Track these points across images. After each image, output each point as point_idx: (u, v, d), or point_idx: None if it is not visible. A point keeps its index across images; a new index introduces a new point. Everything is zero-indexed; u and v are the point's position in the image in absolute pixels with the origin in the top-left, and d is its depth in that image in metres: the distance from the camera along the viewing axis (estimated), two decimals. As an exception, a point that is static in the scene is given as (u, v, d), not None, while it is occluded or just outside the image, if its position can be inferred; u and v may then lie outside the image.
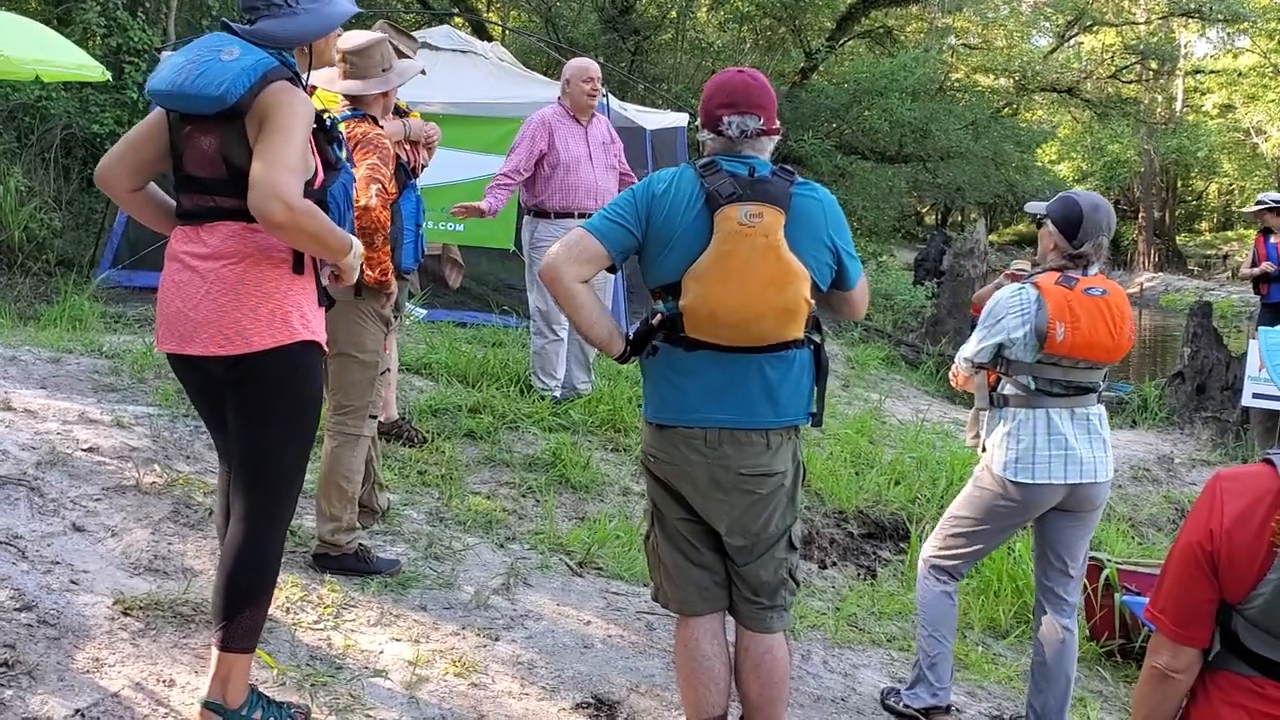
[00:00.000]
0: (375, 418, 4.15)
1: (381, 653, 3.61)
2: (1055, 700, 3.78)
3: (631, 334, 3.05)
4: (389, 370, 4.16)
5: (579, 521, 5.22)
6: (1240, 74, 33.31)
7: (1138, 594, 5.07)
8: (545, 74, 12.04)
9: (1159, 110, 34.58)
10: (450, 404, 6.13)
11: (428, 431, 5.74)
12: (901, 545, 6.23)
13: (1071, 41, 29.87)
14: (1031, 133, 26.62)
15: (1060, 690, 3.78)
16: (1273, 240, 9.16)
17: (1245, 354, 9.00)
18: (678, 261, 2.90)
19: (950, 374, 3.96)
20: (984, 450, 3.81)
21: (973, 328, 3.86)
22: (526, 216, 6.68)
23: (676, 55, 21.41)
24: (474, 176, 9.10)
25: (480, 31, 16.72)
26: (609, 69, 12.69)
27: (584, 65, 6.68)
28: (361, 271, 3.95)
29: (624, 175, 6.83)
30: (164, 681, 3.20)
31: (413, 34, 6.22)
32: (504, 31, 19.07)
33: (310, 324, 3.02)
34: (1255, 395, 8.79)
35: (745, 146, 2.97)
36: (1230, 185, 40.95)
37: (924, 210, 38.20)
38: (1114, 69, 30.88)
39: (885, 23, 23.96)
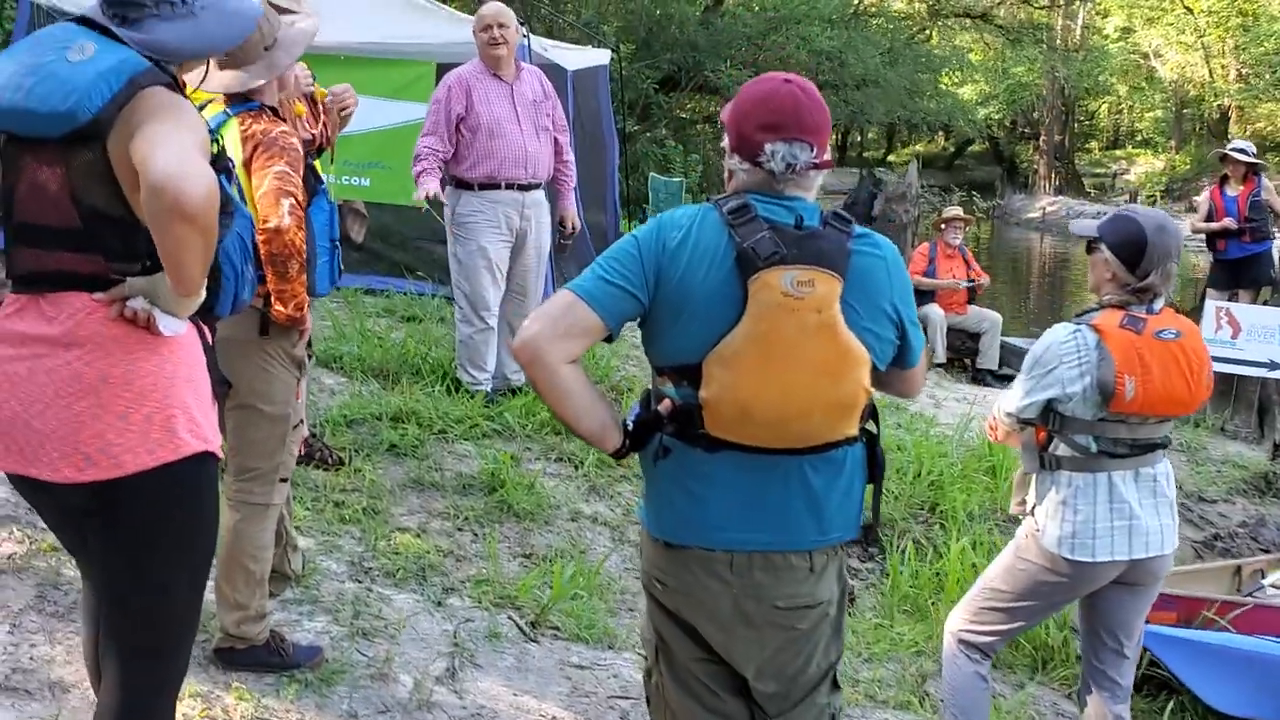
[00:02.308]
0: (286, 480, 3.38)
1: (307, 788, 2.92)
2: (1107, 802, 3.26)
3: (631, 422, 2.35)
4: (302, 423, 3.38)
5: (525, 560, 4.52)
6: (1140, -5, 33.41)
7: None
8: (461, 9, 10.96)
9: (1073, 36, 34.64)
10: (368, 412, 5.32)
11: (344, 449, 4.96)
12: (869, 550, 5.68)
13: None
14: (944, 59, 26.15)
15: (1113, 791, 3.25)
16: (1229, 193, 8.74)
17: (1197, 311, 8.56)
18: (697, 338, 2.19)
19: (987, 426, 3.32)
20: (1030, 514, 3.21)
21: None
22: (449, 188, 5.87)
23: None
24: (383, 125, 8.20)
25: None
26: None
27: (480, 13, 5.87)
28: (269, 306, 3.18)
29: (559, 137, 6.04)
30: None
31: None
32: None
33: (201, 429, 2.23)
34: (1213, 359, 8.39)
35: (789, 185, 2.26)
36: (1120, 105, 41.40)
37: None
38: (1023, -8, 30.52)
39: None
